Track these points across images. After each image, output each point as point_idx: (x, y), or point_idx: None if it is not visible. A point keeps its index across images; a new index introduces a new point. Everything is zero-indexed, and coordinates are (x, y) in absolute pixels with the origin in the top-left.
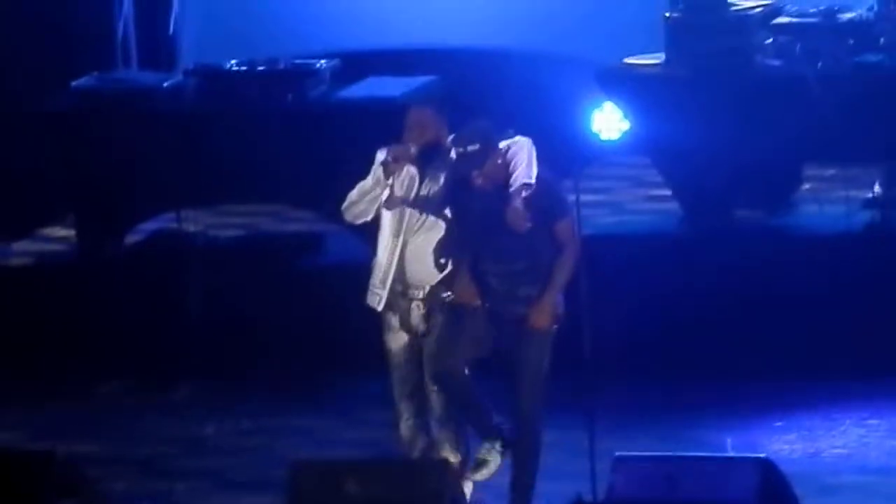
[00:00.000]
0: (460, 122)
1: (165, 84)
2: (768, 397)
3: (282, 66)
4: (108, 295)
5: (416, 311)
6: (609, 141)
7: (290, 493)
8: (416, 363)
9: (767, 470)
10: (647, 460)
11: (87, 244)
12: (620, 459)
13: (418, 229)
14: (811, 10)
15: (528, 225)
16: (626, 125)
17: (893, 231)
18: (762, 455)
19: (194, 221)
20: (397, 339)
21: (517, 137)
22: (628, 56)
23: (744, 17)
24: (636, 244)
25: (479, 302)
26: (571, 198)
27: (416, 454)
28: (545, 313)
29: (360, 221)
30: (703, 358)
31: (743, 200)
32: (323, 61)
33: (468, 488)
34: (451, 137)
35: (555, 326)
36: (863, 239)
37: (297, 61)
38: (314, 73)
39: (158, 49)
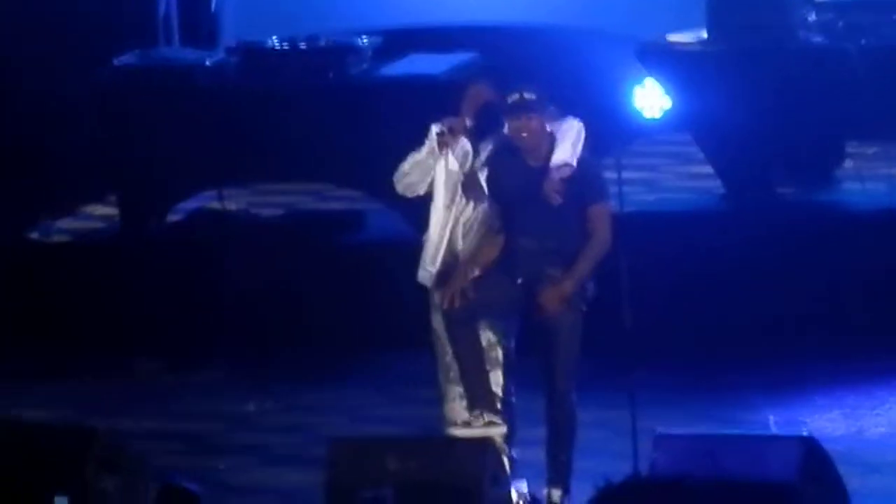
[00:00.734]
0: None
1: (207, 62)
2: (811, 375)
3: (323, 43)
4: (149, 272)
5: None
6: (651, 118)
7: (329, 470)
8: None
9: (810, 448)
10: (688, 438)
11: (129, 222)
12: (662, 437)
13: (470, 204)
14: None
15: (559, 200)
16: (667, 102)
17: None
18: (805, 433)
19: (236, 199)
20: (440, 320)
21: (570, 118)
22: (670, 32)
23: None
24: (678, 221)
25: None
26: (613, 175)
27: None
28: (556, 298)
29: (411, 194)
30: (745, 336)
31: (785, 177)
32: (364, 38)
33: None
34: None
35: (583, 308)
36: None
37: (339, 38)
38: (355, 50)
39: (200, 26)
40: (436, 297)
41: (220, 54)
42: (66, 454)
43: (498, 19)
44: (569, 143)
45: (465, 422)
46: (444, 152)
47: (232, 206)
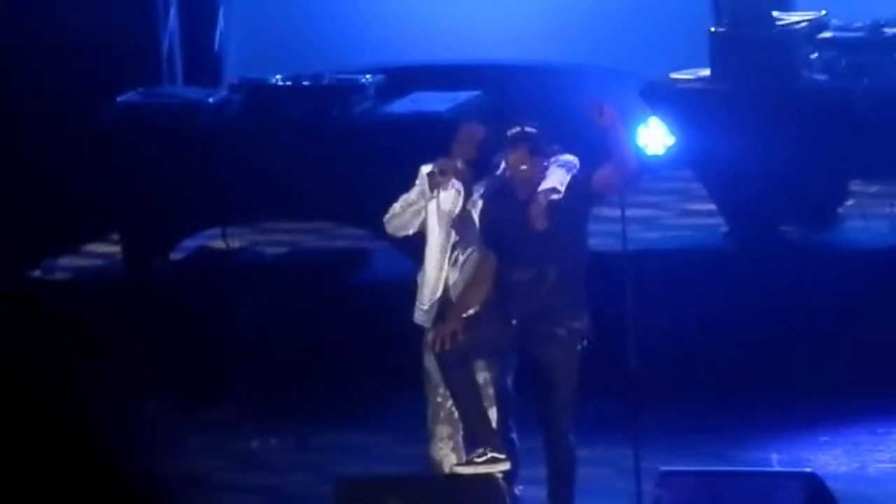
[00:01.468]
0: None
1: (210, 99)
2: (814, 412)
3: (327, 81)
4: (153, 311)
5: None
6: (654, 156)
7: None
8: None
9: (814, 485)
10: (692, 475)
11: (132, 260)
12: (666, 474)
13: (463, 244)
14: (857, 25)
15: (545, 224)
16: (671, 140)
17: None
18: (808, 470)
19: (239, 238)
20: (432, 360)
21: (566, 155)
22: (674, 71)
23: (789, 31)
24: (681, 259)
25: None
26: (616, 213)
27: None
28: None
29: (401, 234)
30: (749, 373)
31: (788, 216)
32: (368, 76)
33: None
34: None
35: (579, 346)
36: None
37: (342, 76)
38: (359, 88)
39: (203, 64)
40: (428, 338)
41: (224, 92)
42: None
43: (502, 58)
44: (560, 172)
45: (468, 460)
46: (435, 193)
47: (236, 243)
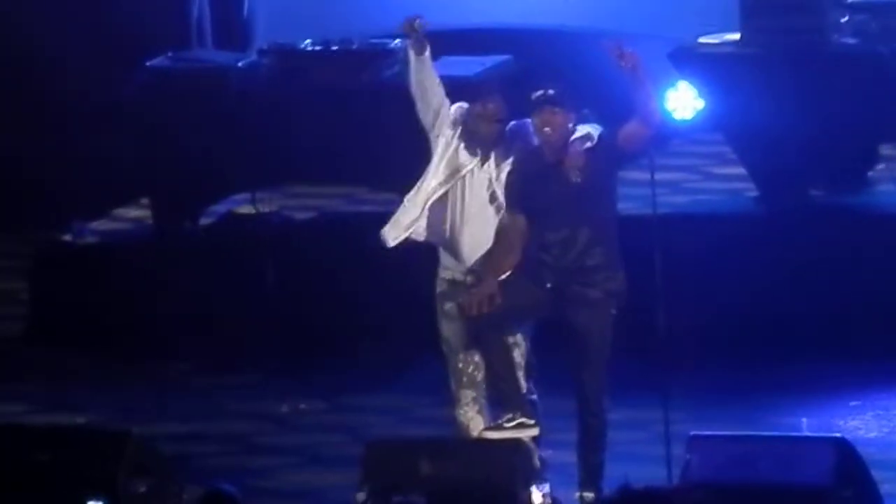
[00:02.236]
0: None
1: (240, 64)
2: (843, 377)
3: (356, 46)
4: (182, 275)
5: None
6: (683, 120)
7: (365, 472)
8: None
9: (843, 450)
10: (722, 440)
11: (161, 224)
12: (696, 439)
13: (475, 213)
14: None
15: (579, 177)
16: (700, 104)
17: None
18: (838, 435)
19: (269, 202)
20: (453, 328)
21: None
22: (703, 35)
23: None
24: (711, 223)
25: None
26: (646, 176)
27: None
28: None
29: (419, 91)
30: (778, 338)
31: (818, 179)
32: (397, 41)
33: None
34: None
35: (613, 311)
36: None
37: (372, 41)
38: (388, 52)
39: (233, 29)
40: (445, 306)
41: (253, 56)
42: (99, 458)
43: (530, 22)
44: (588, 129)
45: (496, 424)
46: (459, 134)
47: (265, 208)
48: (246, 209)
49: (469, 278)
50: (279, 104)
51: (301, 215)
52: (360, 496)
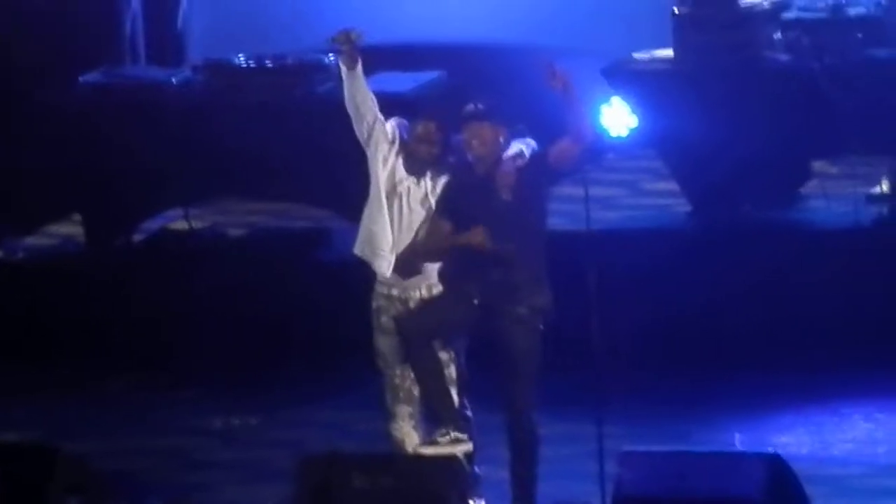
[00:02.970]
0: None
1: (174, 79)
2: (777, 392)
3: (290, 61)
4: (116, 291)
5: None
6: (617, 136)
7: (298, 486)
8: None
9: (776, 465)
10: (654, 456)
11: (94, 240)
12: (628, 455)
13: (415, 228)
14: (819, 5)
15: (509, 195)
16: (633, 121)
17: None
18: (771, 450)
19: (202, 218)
20: (389, 343)
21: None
22: (636, 51)
23: (752, 12)
24: (644, 239)
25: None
26: (580, 191)
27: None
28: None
29: (353, 106)
30: (712, 353)
31: (750, 195)
32: (331, 56)
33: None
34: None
35: (540, 326)
36: (870, 234)
37: (306, 56)
38: (322, 68)
39: (166, 44)
40: (381, 320)
41: (187, 72)
42: (29, 476)
43: (465, 38)
44: (520, 145)
45: (431, 440)
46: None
47: (198, 223)
48: (179, 225)
49: (408, 292)
50: (213, 119)
51: (235, 231)
52: None
